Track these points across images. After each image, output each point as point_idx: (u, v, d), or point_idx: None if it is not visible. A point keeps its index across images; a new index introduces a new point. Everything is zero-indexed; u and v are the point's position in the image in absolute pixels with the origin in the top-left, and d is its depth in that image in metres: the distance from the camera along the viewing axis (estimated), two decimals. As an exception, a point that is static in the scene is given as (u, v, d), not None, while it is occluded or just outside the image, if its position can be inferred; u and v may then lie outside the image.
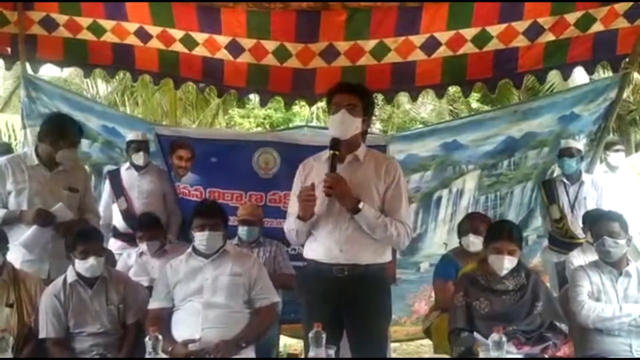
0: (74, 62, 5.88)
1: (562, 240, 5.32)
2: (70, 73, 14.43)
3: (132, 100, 14.50)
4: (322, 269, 3.31)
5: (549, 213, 5.44)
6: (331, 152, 3.24)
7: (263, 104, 6.19)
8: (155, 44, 5.56)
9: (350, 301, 3.29)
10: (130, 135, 5.40)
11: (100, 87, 14.81)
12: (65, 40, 5.58)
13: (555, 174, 5.56)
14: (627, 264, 3.78)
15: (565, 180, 5.37)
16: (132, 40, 5.56)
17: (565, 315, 3.76)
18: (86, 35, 5.55)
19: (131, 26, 5.50)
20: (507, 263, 3.62)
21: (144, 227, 4.78)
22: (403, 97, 14.35)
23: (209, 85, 5.98)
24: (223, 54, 5.54)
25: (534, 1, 5.04)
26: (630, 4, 4.88)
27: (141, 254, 4.77)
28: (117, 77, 14.32)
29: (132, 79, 6.17)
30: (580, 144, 5.40)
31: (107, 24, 5.51)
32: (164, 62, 5.66)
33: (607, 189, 5.41)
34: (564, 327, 3.60)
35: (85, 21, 5.50)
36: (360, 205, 3.20)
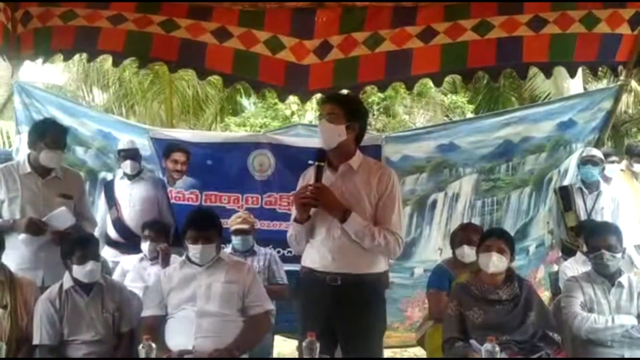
0: (41, 52, 5.42)
1: (576, 251, 5.04)
2: (66, 81, 14.42)
3: (128, 108, 14.49)
4: (316, 277, 3.31)
5: (564, 220, 5.34)
6: (316, 163, 3.26)
7: (256, 91, 5.93)
8: (127, 26, 5.22)
9: (343, 311, 3.27)
10: (120, 144, 5.39)
11: (97, 95, 14.78)
12: (35, 30, 5.27)
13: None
14: (620, 275, 3.78)
15: (583, 188, 5.32)
16: (102, 23, 5.22)
17: (558, 326, 3.77)
18: (55, 22, 5.24)
19: (107, 13, 5.21)
20: (496, 260, 3.62)
21: (150, 226, 4.78)
22: (398, 107, 14.45)
23: (186, 67, 5.62)
24: (207, 37, 5.20)
25: (533, 1, 4.89)
26: (634, 10, 4.80)
27: (141, 259, 4.75)
28: (113, 86, 14.41)
29: (88, 59, 5.79)
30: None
31: (82, 12, 5.22)
32: (131, 41, 5.26)
33: (623, 201, 5.35)
34: (556, 337, 3.61)
35: (59, 10, 5.21)
36: (348, 214, 3.21)
